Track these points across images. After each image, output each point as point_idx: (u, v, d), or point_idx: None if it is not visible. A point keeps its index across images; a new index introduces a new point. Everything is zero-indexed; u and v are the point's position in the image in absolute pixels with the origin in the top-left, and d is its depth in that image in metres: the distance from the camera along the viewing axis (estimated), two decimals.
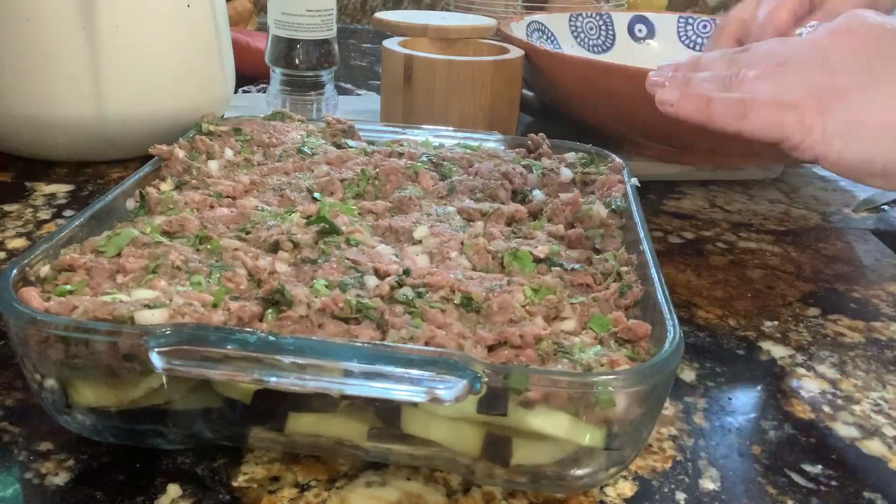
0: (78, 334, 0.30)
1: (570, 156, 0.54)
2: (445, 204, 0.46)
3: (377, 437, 0.33)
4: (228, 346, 0.29)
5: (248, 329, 0.32)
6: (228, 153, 0.50)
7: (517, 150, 0.55)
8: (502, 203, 0.47)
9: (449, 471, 0.34)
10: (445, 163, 0.51)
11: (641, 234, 0.41)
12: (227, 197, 0.45)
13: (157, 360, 0.29)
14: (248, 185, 0.46)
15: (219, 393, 0.33)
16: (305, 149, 0.52)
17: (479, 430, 0.32)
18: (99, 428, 0.34)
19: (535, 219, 0.46)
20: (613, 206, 0.46)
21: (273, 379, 0.29)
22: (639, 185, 0.49)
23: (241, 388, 0.33)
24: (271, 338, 0.30)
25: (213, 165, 0.49)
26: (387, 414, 0.32)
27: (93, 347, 0.31)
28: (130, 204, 0.44)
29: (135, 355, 0.30)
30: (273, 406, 0.33)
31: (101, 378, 0.32)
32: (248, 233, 0.40)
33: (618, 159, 0.53)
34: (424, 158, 0.51)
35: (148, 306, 0.32)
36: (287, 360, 0.29)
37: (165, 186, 0.46)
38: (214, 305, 0.33)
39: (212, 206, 0.43)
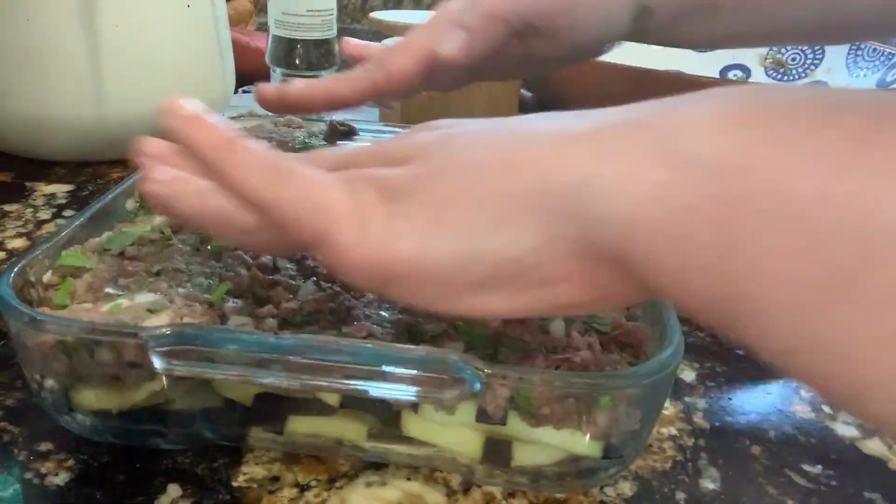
0: (82, 337, 0.30)
1: None
2: None
3: (377, 438, 0.33)
4: (229, 347, 0.29)
5: (248, 329, 0.32)
6: None
7: None
8: None
9: (449, 471, 0.34)
10: None
11: None
12: None
13: (157, 360, 0.29)
14: None
15: (219, 393, 0.33)
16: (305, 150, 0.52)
17: (480, 433, 0.32)
18: (99, 428, 0.34)
19: None
20: None
21: (272, 379, 0.29)
22: None
23: (242, 390, 0.33)
24: (271, 338, 0.30)
25: None
26: (387, 416, 0.32)
27: (97, 357, 0.31)
28: (130, 204, 0.44)
29: (140, 362, 0.30)
30: (273, 408, 0.33)
31: (103, 382, 0.32)
32: None
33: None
34: None
35: (149, 310, 0.32)
36: (287, 359, 0.29)
37: None
38: (211, 305, 0.33)
39: None
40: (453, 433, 0.32)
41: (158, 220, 0.41)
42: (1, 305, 0.31)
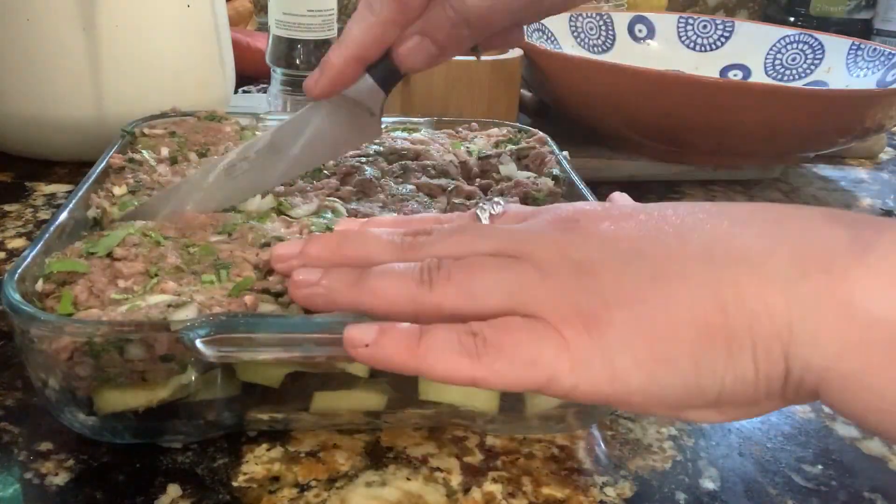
0: (117, 336, 0.31)
1: (494, 131, 0.58)
2: (402, 182, 0.48)
3: (397, 405, 0.35)
4: (273, 330, 0.31)
5: (282, 314, 0.33)
6: (165, 153, 0.49)
7: (447, 132, 0.58)
8: (454, 179, 0.49)
9: (468, 425, 0.37)
10: (394, 158, 0.52)
11: (590, 199, 0.45)
12: None
13: (205, 349, 0.30)
14: None
15: (239, 381, 0.34)
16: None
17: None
18: (119, 428, 0.34)
19: (486, 194, 0.49)
20: (555, 175, 0.50)
21: (316, 351, 0.31)
22: (568, 157, 0.52)
23: (271, 373, 0.34)
24: (305, 318, 0.32)
25: (162, 167, 0.48)
26: (405, 383, 0.34)
27: (128, 355, 0.31)
28: (93, 212, 0.42)
29: (173, 354, 0.31)
30: (301, 387, 0.35)
31: (129, 381, 0.32)
32: (230, 234, 0.40)
33: (540, 133, 0.56)
34: (373, 151, 0.52)
35: (171, 305, 0.32)
36: (326, 336, 0.31)
37: (119, 191, 0.44)
38: (230, 295, 0.34)
39: None
40: (469, 393, 0.34)
41: (139, 224, 0.39)
42: (24, 315, 0.31)
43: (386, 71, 0.41)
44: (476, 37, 0.41)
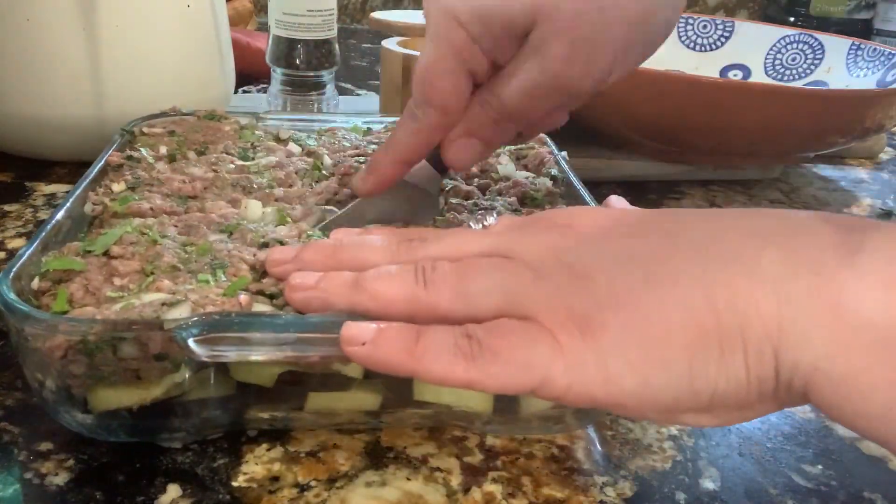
0: (111, 334, 0.31)
1: None
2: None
3: (391, 406, 0.35)
4: (266, 329, 0.31)
5: (277, 313, 0.33)
6: (163, 151, 0.50)
7: None
8: (452, 178, 0.49)
9: (465, 426, 0.37)
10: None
11: (588, 199, 0.45)
12: (190, 197, 0.44)
13: (198, 348, 0.30)
14: (205, 180, 0.46)
15: (233, 380, 0.34)
16: (245, 145, 0.52)
17: None
18: (114, 427, 0.34)
19: (484, 194, 0.49)
20: (553, 175, 0.50)
21: (310, 351, 0.31)
22: (567, 157, 0.52)
23: (265, 373, 0.34)
24: (299, 317, 0.32)
25: (161, 165, 0.48)
26: (400, 384, 0.34)
27: (121, 353, 0.31)
28: (89, 208, 0.42)
29: (166, 353, 0.31)
30: (295, 387, 0.35)
31: (122, 380, 0.32)
32: (230, 234, 0.40)
33: (540, 133, 0.55)
34: (371, 150, 0.52)
35: (164, 304, 0.32)
36: (321, 335, 0.31)
37: (118, 187, 0.44)
38: (225, 295, 0.34)
39: (186, 212, 0.42)
40: (463, 393, 0.34)
41: (136, 221, 0.40)
42: (18, 314, 0.31)
43: (440, 158, 0.42)
44: (520, 125, 0.42)
